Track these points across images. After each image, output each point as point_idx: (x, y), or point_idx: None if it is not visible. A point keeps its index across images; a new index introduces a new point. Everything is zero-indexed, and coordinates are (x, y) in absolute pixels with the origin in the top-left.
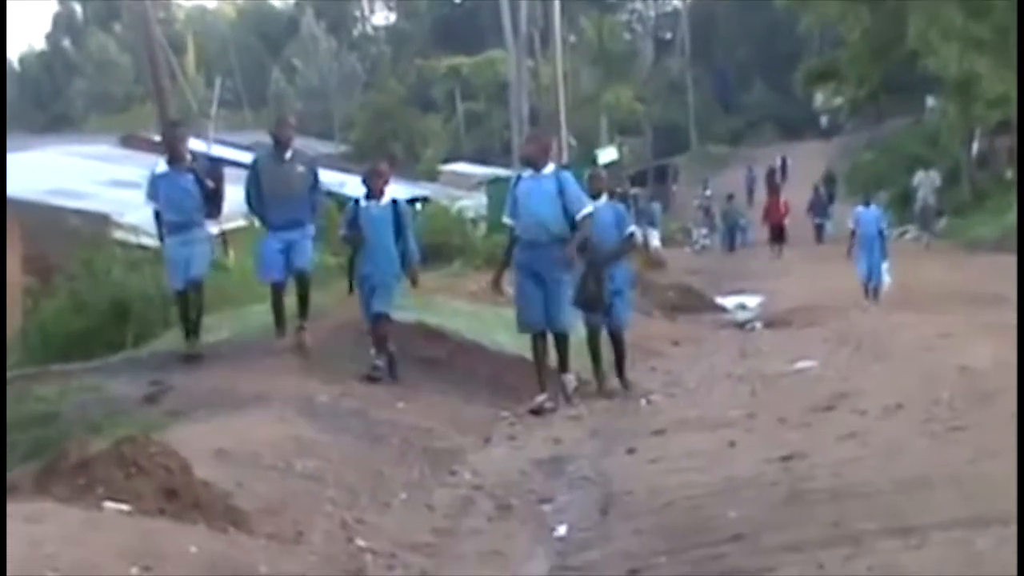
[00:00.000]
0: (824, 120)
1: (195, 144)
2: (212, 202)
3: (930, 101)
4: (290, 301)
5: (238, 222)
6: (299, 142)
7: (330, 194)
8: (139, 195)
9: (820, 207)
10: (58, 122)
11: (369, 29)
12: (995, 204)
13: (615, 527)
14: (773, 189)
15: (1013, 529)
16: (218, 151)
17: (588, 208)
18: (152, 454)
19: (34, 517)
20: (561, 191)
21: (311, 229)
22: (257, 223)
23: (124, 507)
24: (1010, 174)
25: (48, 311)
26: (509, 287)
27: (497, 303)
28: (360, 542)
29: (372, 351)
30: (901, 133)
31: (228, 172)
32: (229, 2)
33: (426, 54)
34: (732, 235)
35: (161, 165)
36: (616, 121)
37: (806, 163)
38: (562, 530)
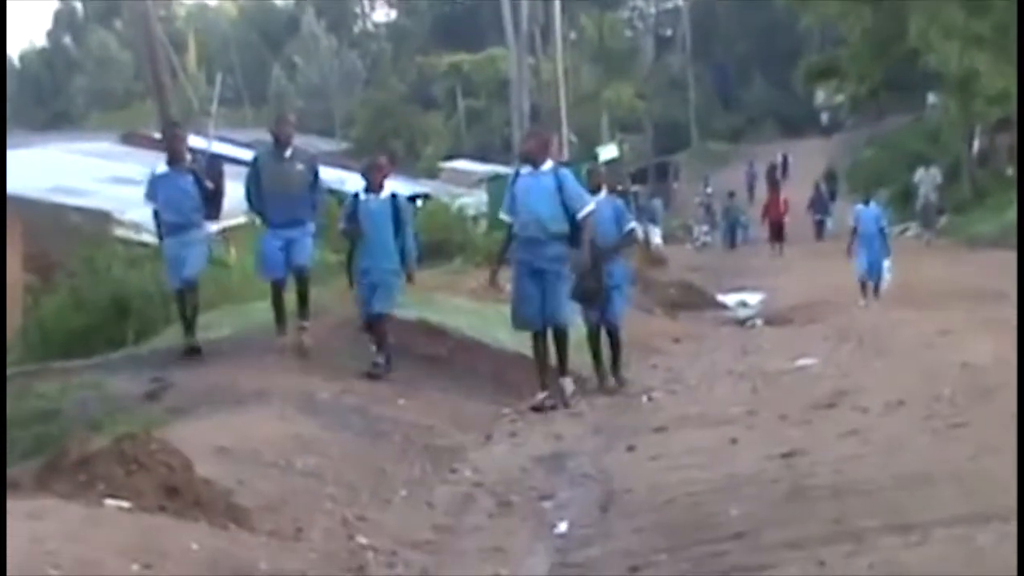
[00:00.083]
0: (825, 117)
1: (196, 141)
2: (211, 203)
3: (931, 98)
4: (291, 298)
5: (239, 219)
6: (300, 140)
7: (331, 191)
8: (140, 192)
9: (821, 204)
10: (59, 119)
11: (370, 26)
12: (996, 201)
13: (616, 524)
14: (773, 186)
15: (1014, 525)
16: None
17: (590, 206)
18: (153, 451)
19: (35, 514)
20: (560, 188)
21: (311, 227)
22: (258, 220)
23: (125, 504)
24: (1011, 171)
25: (49, 308)
26: (507, 284)
27: (498, 300)
28: (361, 539)
29: (372, 348)
30: (902, 130)
31: (229, 169)
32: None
33: (427, 51)
34: (733, 232)
35: (161, 166)
36: (617, 118)
37: (807, 160)
38: (563, 527)
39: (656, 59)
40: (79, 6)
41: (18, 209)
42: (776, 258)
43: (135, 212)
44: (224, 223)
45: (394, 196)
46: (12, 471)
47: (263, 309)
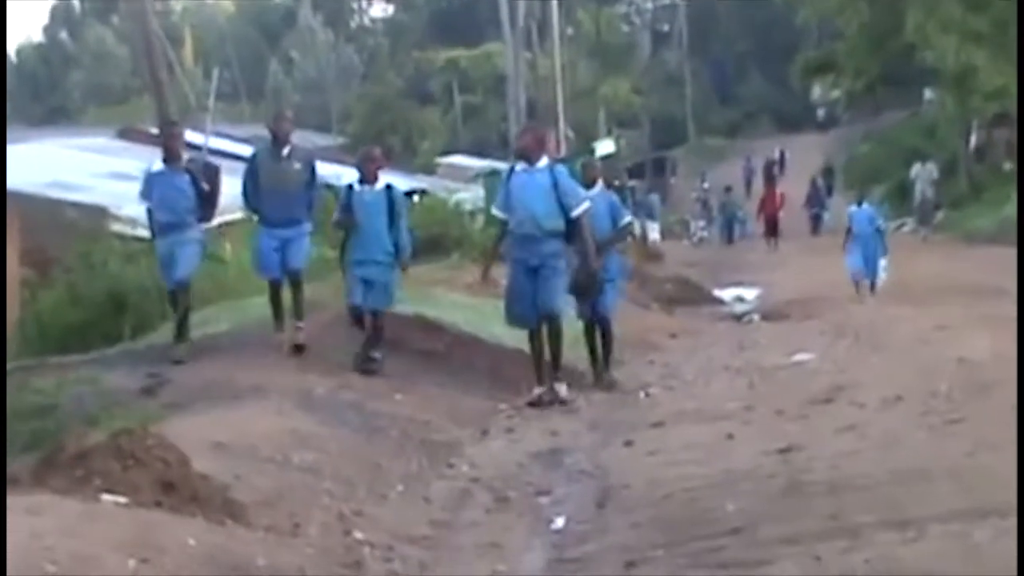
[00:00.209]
0: (821, 113)
1: (193, 137)
2: (205, 205)
3: (928, 93)
4: (288, 296)
5: (236, 215)
6: (296, 135)
7: (328, 187)
8: (137, 188)
9: (817, 199)
10: (55, 114)
11: (367, 21)
12: (992, 196)
13: (612, 520)
14: (769, 181)
15: (1011, 521)
16: (216, 144)
17: (584, 204)
18: (149, 447)
19: (32, 509)
20: (555, 185)
21: (307, 227)
22: (254, 218)
23: (122, 499)
24: (1008, 166)
25: (46, 303)
26: (502, 279)
27: (495, 295)
28: (357, 534)
29: (365, 343)
30: (899, 125)
31: (226, 165)
32: None
33: (424, 46)
34: (730, 227)
35: (157, 163)
36: (614, 113)
37: (803, 156)
38: (559, 523)
39: (653, 54)
40: (76, 2)
41: (15, 204)
42: (772, 253)
43: (132, 207)
44: (221, 219)
45: (389, 188)
46: (9, 466)
47: (260, 305)
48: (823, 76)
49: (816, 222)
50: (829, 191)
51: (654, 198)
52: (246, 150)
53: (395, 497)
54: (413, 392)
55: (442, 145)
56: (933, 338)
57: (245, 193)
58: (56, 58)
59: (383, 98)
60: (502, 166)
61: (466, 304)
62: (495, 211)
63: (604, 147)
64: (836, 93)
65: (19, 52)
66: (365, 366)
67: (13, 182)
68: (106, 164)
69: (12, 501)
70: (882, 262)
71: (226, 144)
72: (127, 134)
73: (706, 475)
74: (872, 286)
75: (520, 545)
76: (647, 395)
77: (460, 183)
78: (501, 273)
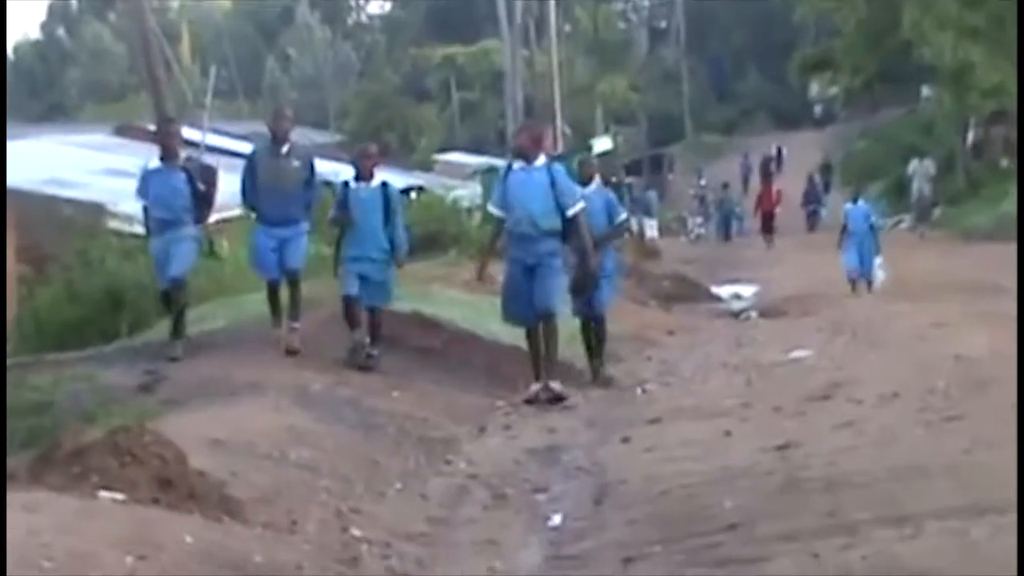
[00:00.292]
0: (818, 109)
1: (191, 134)
2: (201, 205)
3: (925, 90)
4: (285, 292)
5: (233, 212)
6: (294, 132)
7: (326, 184)
8: (134, 184)
9: (814, 196)
10: (53, 111)
11: (364, 18)
12: (990, 193)
13: (609, 516)
14: (766, 178)
15: (1008, 518)
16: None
17: (581, 204)
18: (147, 443)
19: (29, 506)
20: (553, 184)
21: (305, 226)
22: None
23: (119, 496)
24: (1005, 163)
25: (42, 300)
26: (499, 275)
27: (492, 292)
28: (355, 531)
29: (367, 340)
30: (896, 122)
31: (224, 162)
32: None
33: (421, 43)
34: (727, 224)
35: (154, 160)
36: (611, 110)
37: (800, 152)
38: (556, 519)
39: (650, 51)
40: None
41: (12, 201)
42: (770, 250)
43: (129, 204)
44: (218, 216)
45: (384, 185)
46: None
47: (257, 301)
48: (820, 73)
49: (813, 219)
50: (827, 188)
51: (652, 195)
52: (243, 147)
53: (392, 494)
54: (410, 389)
55: (439, 142)
56: (931, 335)
57: (243, 191)
58: (53, 55)
59: (380, 95)
60: (500, 163)
61: (463, 301)
62: (491, 208)
63: (601, 144)
64: (834, 90)
65: (16, 49)
66: (362, 362)
67: (10, 179)
68: (103, 161)
69: (9, 498)
70: (877, 260)
71: (223, 141)
72: (124, 131)
73: (703, 472)
74: (868, 284)
75: (517, 542)
76: (644, 392)
77: (457, 180)
78: (498, 270)
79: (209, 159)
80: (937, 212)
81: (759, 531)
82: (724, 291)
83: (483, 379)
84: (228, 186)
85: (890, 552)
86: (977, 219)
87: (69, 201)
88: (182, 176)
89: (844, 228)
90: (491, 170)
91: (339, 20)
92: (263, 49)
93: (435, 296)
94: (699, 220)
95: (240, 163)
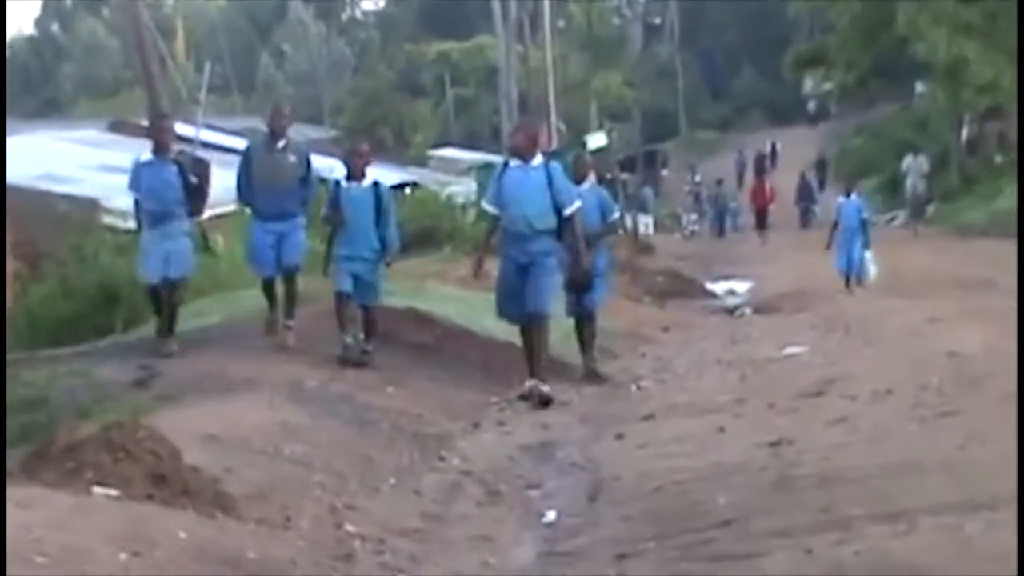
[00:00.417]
0: (812, 106)
1: (184, 130)
2: (195, 199)
3: (919, 87)
4: (281, 290)
5: (227, 207)
6: (290, 128)
7: (322, 180)
8: (127, 180)
9: (807, 192)
10: (47, 107)
11: (358, 14)
12: (984, 189)
13: (603, 513)
14: (759, 174)
15: (1002, 514)
16: (207, 136)
17: (577, 203)
18: (141, 439)
19: (23, 502)
20: (550, 183)
21: (301, 220)
22: (247, 211)
23: (113, 492)
24: (999, 159)
25: (37, 296)
26: (494, 272)
27: (487, 288)
28: (349, 527)
29: (360, 335)
30: (890, 118)
31: (217, 157)
32: None
33: (415, 39)
34: (721, 220)
35: (146, 154)
36: (605, 106)
37: (795, 149)
38: (550, 516)
39: (644, 47)
40: None
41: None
42: (764, 247)
43: (123, 200)
44: (212, 212)
45: (376, 184)
46: None
47: (251, 297)
48: (815, 69)
49: (806, 216)
50: (822, 185)
51: (648, 192)
52: (237, 143)
53: (386, 490)
54: (405, 385)
55: (434, 138)
56: (924, 331)
57: (239, 186)
58: (48, 51)
59: (375, 91)
60: (495, 159)
61: (458, 297)
62: (485, 205)
63: (596, 140)
64: (828, 86)
65: (11, 45)
66: (356, 358)
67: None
68: (97, 157)
69: None
70: (867, 254)
71: (217, 137)
72: (118, 127)
73: (697, 468)
74: (859, 280)
75: (511, 538)
76: (638, 388)
77: (452, 176)
78: (493, 266)
79: (202, 154)
80: (931, 208)
81: (752, 527)
82: (718, 287)
83: (477, 375)
84: (222, 182)
85: (884, 548)
86: (971, 215)
87: (63, 197)
88: (174, 169)
89: (835, 225)
90: (486, 166)
91: (333, 16)
92: (257, 45)
93: (429, 292)
94: (693, 216)
95: (234, 159)
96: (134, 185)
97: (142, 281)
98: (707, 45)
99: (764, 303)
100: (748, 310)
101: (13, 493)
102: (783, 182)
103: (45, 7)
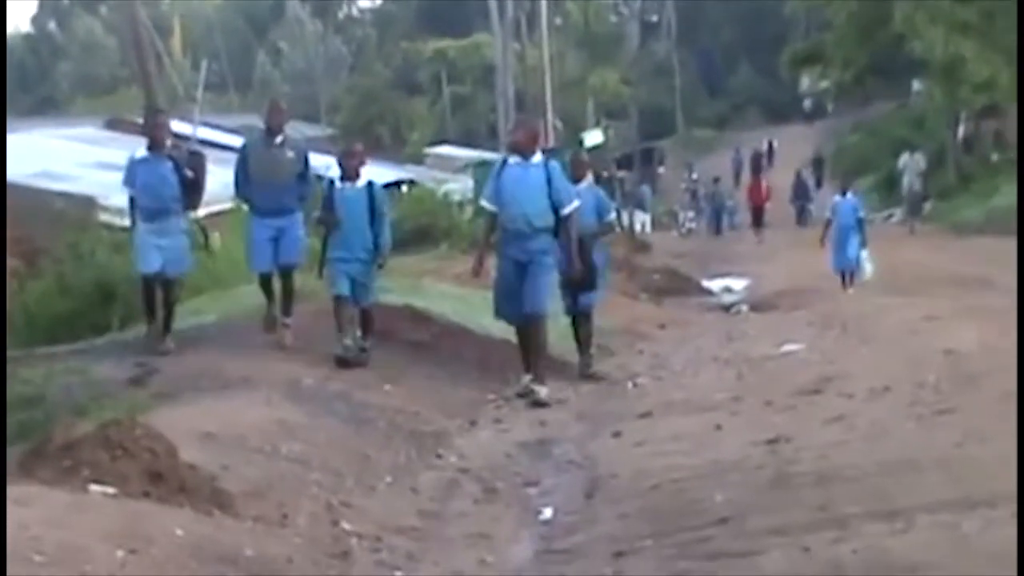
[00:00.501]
0: (808, 104)
1: (181, 127)
2: (191, 193)
3: (916, 85)
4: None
5: (224, 205)
6: (287, 125)
7: (319, 178)
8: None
9: (802, 190)
10: (44, 105)
11: (355, 12)
12: (980, 187)
13: (600, 510)
14: (755, 172)
15: (999, 512)
16: (204, 134)
17: (575, 203)
18: (138, 437)
19: (20, 500)
20: (549, 181)
21: (299, 216)
22: (244, 207)
23: (110, 490)
24: (996, 157)
25: (34, 294)
26: (492, 271)
27: (484, 286)
28: (346, 525)
29: (357, 334)
30: (887, 116)
31: (215, 155)
32: None
33: (412, 37)
34: (718, 218)
35: (141, 150)
36: (602, 104)
37: (792, 147)
38: (548, 513)
39: (641, 45)
40: None
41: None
42: (760, 244)
43: (120, 197)
44: (209, 209)
45: (370, 184)
46: None
47: (248, 294)
48: (811, 67)
49: (802, 214)
50: (819, 183)
51: (645, 189)
52: (234, 140)
53: (383, 488)
54: (401, 383)
55: (430, 136)
56: (921, 329)
57: (237, 182)
58: (45, 48)
59: (371, 89)
60: (492, 156)
61: (454, 295)
62: (483, 202)
63: (592, 138)
64: (825, 84)
65: (8, 42)
66: (354, 356)
67: None
68: (94, 154)
69: None
70: (864, 253)
71: (214, 134)
72: (115, 124)
73: (694, 466)
74: (852, 278)
75: (508, 536)
76: (635, 386)
77: (448, 173)
78: (492, 264)
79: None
80: (928, 206)
81: (750, 525)
82: (715, 285)
83: (474, 373)
84: (219, 179)
85: (881, 546)
86: (968, 213)
87: (60, 194)
88: (169, 165)
89: (828, 223)
90: (483, 164)
91: (330, 14)
92: (254, 43)
93: (426, 290)
94: (690, 214)
95: (230, 156)
96: (129, 181)
97: (139, 271)
98: (704, 43)
99: (761, 301)
100: (745, 308)
101: (10, 491)
102: (780, 180)
103: (42, 5)
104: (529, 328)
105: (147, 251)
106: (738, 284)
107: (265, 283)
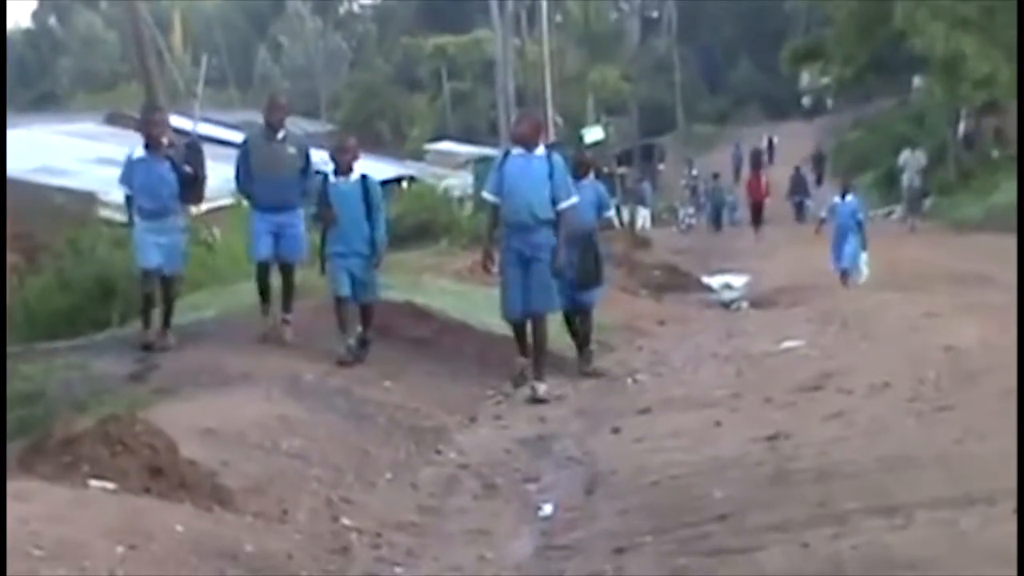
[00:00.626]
0: (807, 100)
1: (182, 123)
2: (191, 188)
3: (916, 81)
4: (276, 282)
5: (224, 200)
6: (287, 121)
7: (319, 173)
8: None
9: (800, 186)
10: (44, 100)
11: (355, 7)
12: (980, 184)
13: (600, 506)
14: (755, 168)
15: (998, 508)
16: (205, 130)
17: (573, 199)
18: (138, 432)
19: (20, 495)
20: (551, 174)
21: (300, 212)
22: (245, 202)
23: (109, 485)
24: (996, 154)
25: (34, 289)
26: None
27: (484, 282)
28: (345, 521)
29: (360, 327)
30: (887, 113)
31: (215, 151)
32: None
33: (412, 33)
34: (718, 214)
35: (138, 150)
36: (602, 100)
37: (791, 143)
38: (547, 509)
39: (642, 41)
40: None
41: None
42: (760, 241)
43: (119, 193)
44: (209, 205)
45: (364, 177)
46: None
47: (249, 291)
48: (811, 63)
49: (800, 209)
50: (819, 180)
51: (646, 186)
52: (234, 136)
53: (383, 484)
54: (401, 379)
55: (431, 132)
56: (921, 325)
57: (238, 177)
58: (45, 44)
59: (371, 85)
60: (492, 152)
61: (454, 291)
62: (485, 194)
63: (593, 134)
64: (825, 80)
65: (8, 38)
66: (356, 353)
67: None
68: (94, 150)
69: None
70: (863, 256)
71: (214, 130)
72: (115, 120)
73: (694, 462)
74: (845, 277)
75: (508, 532)
76: (635, 382)
77: (448, 169)
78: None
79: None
80: (928, 203)
81: (749, 521)
82: (715, 281)
83: (474, 369)
84: (219, 175)
85: (880, 542)
86: (968, 210)
87: (60, 190)
88: (167, 165)
89: (822, 221)
90: (483, 160)
91: (330, 9)
92: (254, 38)
93: (426, 286)
94: (690, 210)
95: (231, 152)
96: (126, 181)
97: (139, 267)
98: (704, 39)
99: (761, 297)
100: (745, 304)
101: (10, 486)
102: (780, 176)
103: (42, 1)
104: (532, 324)
105: (147, 249)
106: (738, 280)
107: (263, 277)
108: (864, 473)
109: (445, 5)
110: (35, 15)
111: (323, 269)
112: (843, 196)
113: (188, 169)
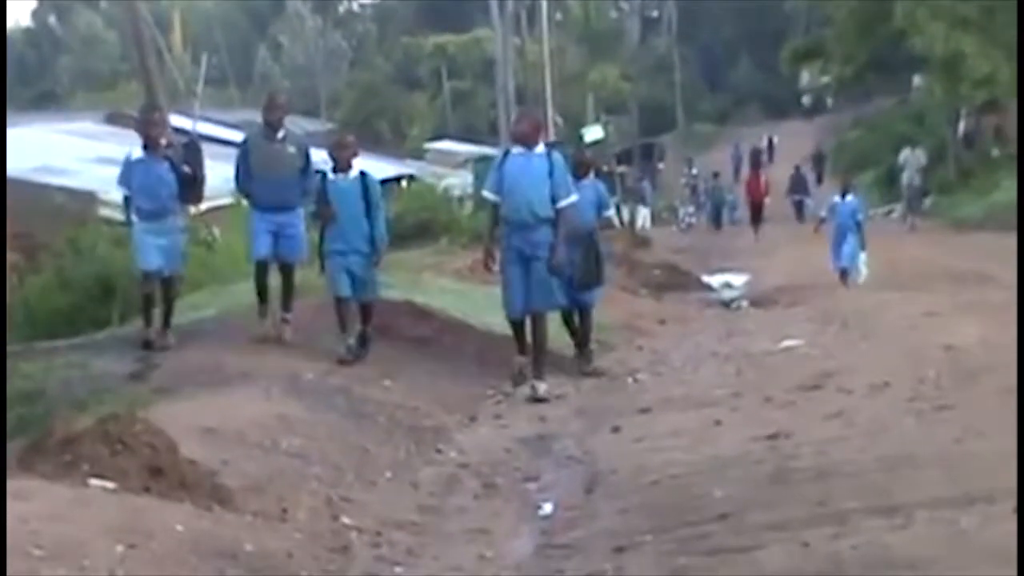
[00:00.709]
0: (807, 99)
1: (182, 122)
2: (191, 188)
3: (916, 80)
4: (275, 283)
5: (225, 199)
6: (287, 120)
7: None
8: None
9: (800, 185)
10: (44, 99)
11: (355, 7)
12: (980, 183)
13: (600, 505)
14: (754, 167)
15: (998, 508)
16: (205, 129)
17: (572, 197)
18: (137, 432)
19: (20, 494)
20: (551, 172)
21: (300, 212)
22: (244, 202)
23: (109, 484)
24: (996, 153)
25: (34, 288)
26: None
27: (484, 281)
28: (345, 520)
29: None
30: (887, 112)
31: (214, 150)
32: None
33: (412, 32)
34: (718, 213)
35: (137, 151)
36: (602, 99)
37: (791, 142)
38: (547, 508)
39: (642, 40)
40: None
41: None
42: (760, 240)
43: (119, 192)
44: (208, 204)
45: (363, 174)
46: None
47: (248, 290)
48: (811, 62)
49: (800, 208)
50: (819, 179)
51: (646, 185)
52: (234, 135)
53: (383, 483)
54: (401, 378)
55: (430, 131)
56: (921, 325)
57: (237, 177)
58: (45, 43)
59: (371, 84)
60: (492, 152)
61: (454, 290)
62: (486, 193)
63: (593, 133)
64: (825, 79)
65: (8, 37)
66: (356, 352)
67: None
68: (94, 149)
69: None
70: (862, 256)
71: (214, 129)
72: (115, 119)
73: (694, 461)
74: (844, 276)
75: (508, 531)
76: (635, 381)
77: (448, 169)
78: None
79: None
80: (928, 202)
81: (749, 521)
82: (715, 280)
83: (474, 368)
84: (219, 174)
85: (880, 542)
86: (968, 209)
87: (60, 189)
88: (165, 165)
89: (822, 220)
90: (483, 159)
91: (330, 9)
92: (254, 37)
93: (426, 285)
94: (690, 209)
95: (230, 151)
96: (124, 182)
97: (139, 269)
98: (704, 38)
99: (761, 296)
100: (745, 303)
101: (10, 485)
102: (780, 175)
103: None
104: (532, 323)
105: (147, 250)
106: (738, 280)
107: (261, 277)
108: (864, 472)
109: (445, 4)
110: (35, 14)
111: (322, 267)
112: (843, 195)
113: (187, 169)
